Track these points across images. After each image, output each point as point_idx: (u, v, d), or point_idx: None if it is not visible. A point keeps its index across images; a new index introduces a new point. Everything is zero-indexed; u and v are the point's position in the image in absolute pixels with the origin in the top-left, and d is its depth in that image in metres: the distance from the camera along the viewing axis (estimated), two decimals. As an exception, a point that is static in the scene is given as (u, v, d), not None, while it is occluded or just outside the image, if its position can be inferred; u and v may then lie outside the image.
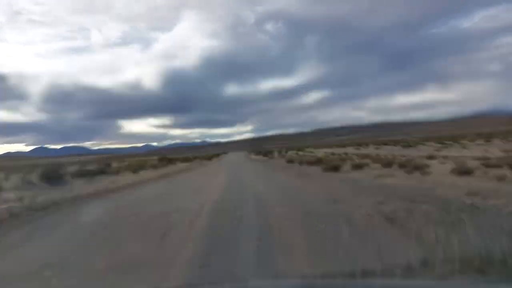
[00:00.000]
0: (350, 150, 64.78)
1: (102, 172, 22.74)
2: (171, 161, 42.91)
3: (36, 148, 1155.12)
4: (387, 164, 17.55)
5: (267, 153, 68.80)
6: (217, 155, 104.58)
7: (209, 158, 69.87)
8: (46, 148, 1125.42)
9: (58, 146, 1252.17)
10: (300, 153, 63.41)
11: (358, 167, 18.22)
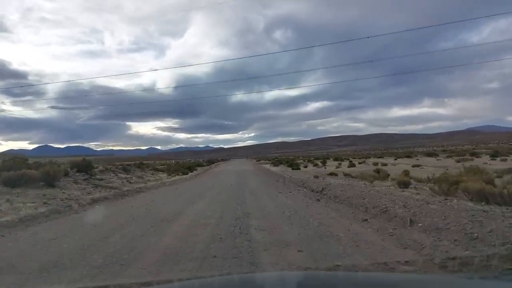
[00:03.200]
0: (404, 161, 37.21)
1: None
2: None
3: (40, 146, 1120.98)
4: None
5: (294, 165, 40.65)
6: (212, 162, 73.05)
7: (188, 169, 37.06)
8: (50, 147, 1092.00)
9: (62, 146, 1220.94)
10: (356, 166, 35.61)
11: None
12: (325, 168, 37.86)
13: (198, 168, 44.21)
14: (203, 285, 1.98)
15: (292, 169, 35.51)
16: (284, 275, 2.52)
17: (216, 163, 70.62)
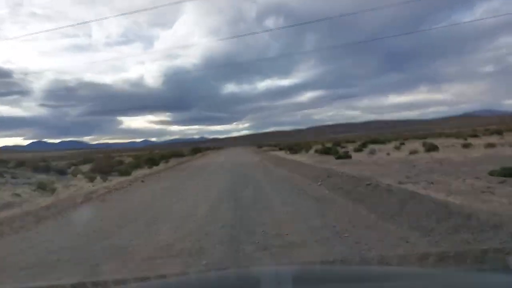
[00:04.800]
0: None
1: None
2: None
3: (34, 142, 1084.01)
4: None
5: (334, 151, 23.95)
6: (198, 151, 52.58)
7: (150, 162, 22.10)
8: (44, 142, 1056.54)
9: (57, 141, 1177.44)
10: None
11: None
12: (388, 154, 21.16)
13: (172, 160, 27.25)
14: (199, 279, 1.88)
15: (336, 158, 18.75)
16: (280, 269, 2.20)
17: (203, 153, 52.82)
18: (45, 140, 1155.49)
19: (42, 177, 12.10)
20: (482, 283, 1.52)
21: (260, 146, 63.84)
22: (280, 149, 42.38)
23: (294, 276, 1.59)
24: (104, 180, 12.72)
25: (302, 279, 1.56)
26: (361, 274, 1.75)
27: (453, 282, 1.52)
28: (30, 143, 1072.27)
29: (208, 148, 71.85)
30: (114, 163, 17.63)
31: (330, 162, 16.81)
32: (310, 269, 2.12)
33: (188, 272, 3.57)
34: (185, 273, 3.49)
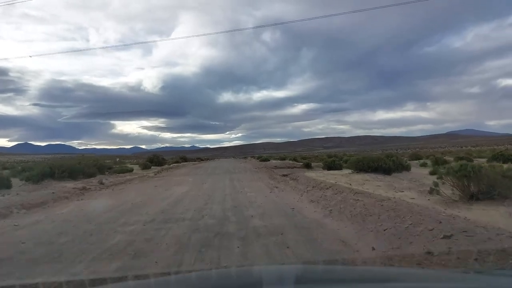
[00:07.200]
0: None
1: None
2: None
3: (20, 144, 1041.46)
4: None
5: None
6: (160, 163, 36.00)
7: None
8: (30, 144, 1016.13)
9: (43, 144, 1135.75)
10: None
11: None
12: None
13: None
14: (200, 277, 1.83)
15: None
16: (282, 268, 2.28)
17: (162, 168, 30.44)
18: (31, 142, 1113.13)
19: None
20: (484, 284, 1.48)
21: (263, 159, 46.43)
22: (307, 166, 26.31)
23: (296, 275, 1.54)
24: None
25: (305, 278, 1.52)
26: (363, 274, 1.71)
27: (455, 283, 1.49)
28: (15, 145, 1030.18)
29: (183, 160, 55.11)
30: None
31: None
32: (312, 269, 2.09)
33: (189, 270, 3.50)
34: (186, 271, 3.45)
